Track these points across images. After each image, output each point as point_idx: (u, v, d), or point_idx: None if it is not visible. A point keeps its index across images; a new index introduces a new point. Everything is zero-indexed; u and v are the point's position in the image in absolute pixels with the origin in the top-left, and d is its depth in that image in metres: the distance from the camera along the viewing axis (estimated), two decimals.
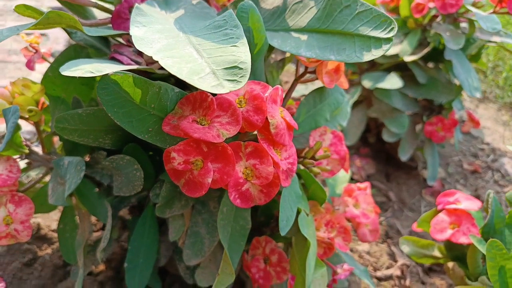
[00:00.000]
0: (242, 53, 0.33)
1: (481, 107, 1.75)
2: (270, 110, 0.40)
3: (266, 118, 0.39)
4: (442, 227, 0.70)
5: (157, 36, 0.37)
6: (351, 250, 0.97)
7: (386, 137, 1.09)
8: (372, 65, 1.20)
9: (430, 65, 1.16)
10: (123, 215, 0.76)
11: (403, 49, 1.01)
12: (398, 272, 0.93)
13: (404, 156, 1.12)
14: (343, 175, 0.78)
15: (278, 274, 0.57)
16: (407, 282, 0.92)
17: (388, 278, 0.92)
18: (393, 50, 1.05)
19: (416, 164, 1.27)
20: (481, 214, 0.77)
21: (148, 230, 0.59)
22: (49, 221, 0.88)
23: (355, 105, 1.24)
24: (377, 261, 0.95)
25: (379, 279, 0.91)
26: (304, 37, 0.46)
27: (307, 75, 0.53)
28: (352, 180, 1.20)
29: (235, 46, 0.34)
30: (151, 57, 0.33)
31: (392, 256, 0.98)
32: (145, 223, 0.59)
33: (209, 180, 0.37)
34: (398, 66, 1.12)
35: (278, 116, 0.41)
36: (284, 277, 0.57)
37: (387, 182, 1.23)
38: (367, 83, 1.05)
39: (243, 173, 0.40)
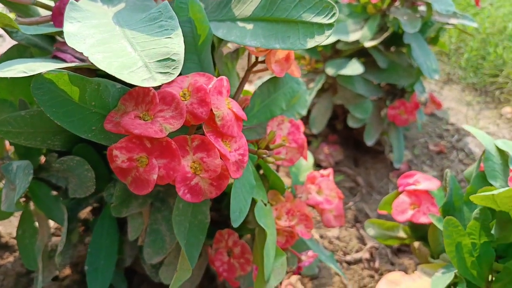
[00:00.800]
0: (175, 45, 0.32)
1: (445, 88, 1.79)
2: (215, 101, 0.39)
3: (212, 110, 0.39)
4: (403, 208, 0.71)
5: (92, 31, 0.36)
6: (321, 237, 0.98)
7: (351, 123, 1.11)
8: (336, 52, 1.21)
9: (392, 49, 1.17)
10: (88, 217, 0.74)
11: (363, 35, 1.02)
12: (367, 255, 0.95)
13: (369, 141, 1.14)
14: (306, 163, 0.78)
15: (242, 266, 0.57)
16: (376, 264, 0.94)
17: (358, 261, 0.94)
18: (354, 36, 1.06)
19: (383, 148, 1.30)
20: (442, 193, 0.79)
21: (107, 230, 0.58)
22: (11, 228, 0.85)
23: (321, 93, 1.25)
24: (346, 245, 0.97)
25: (349, 263, 0.93)
26: (249, 26, 0.45)
27: (259, 65, 0.53)
28: (321, 167, 1.21)
29: (169, 37, 0.33)
30: None
31: (361, 240, 1.00)
32: (103, 224, 0.58)
33: (155, 176, 0.37)
34: (360, 52, 1.13)
35: (224, 108, 0.40)
36: (248, 268, 0.57)
37: (355, 167, 1.25)
38: (330, 71, 1.06)
39: (191, 167, 0.39)
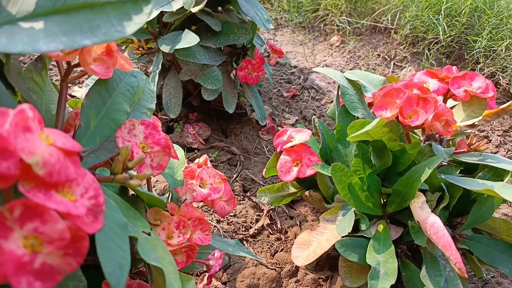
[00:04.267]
0: None
1: (278, 34, 1.85)
2: (23, 145, 0.27)
3: (22, 159, 0.27)
4: (288, 168, 0.69)
5: None
6: (218, 221, 0.92)
7: (207, 96, 1.04)
8: (164, 26, 1.10)
9: (220, 9, 1.12)
10: None
11: (186, 1, 0.93)
12: (267, 220, 0.93)
13: (230, 108, 1.10)
14: (176, 160, 0.69)
15: None
16: (279, 225, 0.93)
17: (261, 230, 0.92)
18: (177, 3, 0.97)
19: (245, 110, 1.28)
20: (314, 139, 0.80)
21: None
22: None
23: (165, 73, 1.14)
24: (245, 219, 0.94)
25: (253, 236, 0.90)
26: (39, 25, 0.33)
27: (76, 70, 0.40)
28: (193, 150, 1.13)
29: None
30: None
31: (257, 207, 0.98)
32: None
33: None
34: (190, 20, 1.04)
35: (42, 147, 0.28)
36: None
37: (226, 138, 1.20)
38: (165, 48, 0.95)
39: (24, 247, 0.27)
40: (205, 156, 0.70)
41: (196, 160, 0.70)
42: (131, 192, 0.53)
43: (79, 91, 1.27)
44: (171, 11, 0.98)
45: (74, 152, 0.32)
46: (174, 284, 0.41)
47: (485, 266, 0.83)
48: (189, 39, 0.91)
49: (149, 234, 0.43)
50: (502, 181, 0.62)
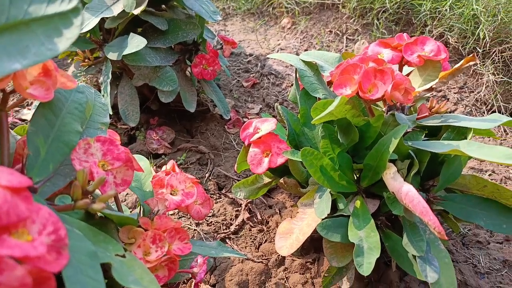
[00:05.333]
0: None
1: (228, 24, 1.82)
2: None
3: None
4: (258, 160, 0.68)
5: None
6: (197, 224, 0.90)
7: (164, 99, 1.01)
8: (108, 33, 1.05)
9: (164, 7, 1.08)
10: None
11: (126, 3, 0.89)
12: (247, 214, 0.92)
13: (191, 107, 1.07)
14: (141, 172, 0.67)
15: None
16: (259, 216, 0.92)
17: (242, 225, 0.91)
18: (117, 8, 0.92)
19: (207, 107, 1.25)
20: (281, 125, 0.79)
21: None
22: None
23: (117, 81, 1.09)
24: (225, 217, 0.92)
25: (235, 232, 0.89)
26: None
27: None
28: (160, 156, 1.10)
29: None
30: None
31: (235, 203, 0.96)
32: None
33: None
34: (135, 22, 1.00)
35: None
36: None
37: (192, 138, 1.18)
38: (112, 55, 0.91)
39: None
40: (171, 161, 0.67)
41: (163, 167, 0.68)
42: (100, 213, 0.51)
43: (29, 114, 1.20)
44: (112, 16, 0.93)
45: (23, 188, 0.29)
46: None
47: (461, 222, 0.86)
48: (136, 42, 0.87)
49: (123, 256, 0.41)
50: (466, 138, 0.64)
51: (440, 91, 1.34)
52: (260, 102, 1.34)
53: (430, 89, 0.65)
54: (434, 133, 0.70)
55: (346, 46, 1.58)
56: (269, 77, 1.44)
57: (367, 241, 0.57)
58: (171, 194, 0.63)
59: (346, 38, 1.62)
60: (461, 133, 0.64)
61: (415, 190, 0.52)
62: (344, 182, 0.63)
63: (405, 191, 0.52)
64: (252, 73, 1.46)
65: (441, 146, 0.57)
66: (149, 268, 0.47)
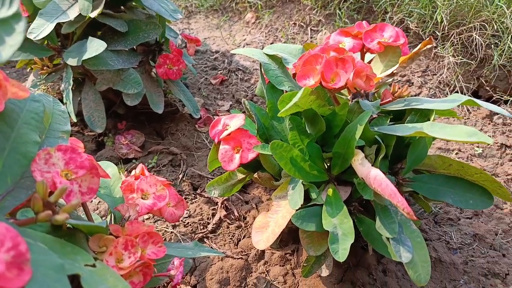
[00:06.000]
0: None
1: (191, 22, 1.80)
2: None
3: None
4: (229, 156, 0.68)
5: None
6: (174, 227, 0.89)
7: (130, 102, 0.99)
8: (66, 38, 1.02)
9: (123, 8, 1.05)
10: None
11: (82, 7, 0.86)
12: (223, 212, 0.92)
13: (159, 109, 1.05)
14: (109, 178, 0.65)
15: None
16: (236, 213, 0.92)
17: (219, 223, 0.90)
18: (73, 12, 0.89)
19: (175, 107, 1.24)
20: (250, 121, 0.79)
21: None
22: None
23: (80, 88, 1.06)
24: (201, 217, 0.92)
25: (213, 231, 0.88)
26: None
27: None
28: (131, 160, 1.08)
29: None
30: None
31: (210, 202, 0.96)
32: None
33: None
34: (93, 26, 0.97)
35: None
36: None
37: (162, 139, 1.16)
38: (72, 61, 0.88)
39: None
40: (140, 165, 0.66)
41: (133, 172, 0.67)
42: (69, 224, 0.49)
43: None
44: (69, 21, 0.90)
45: None
46: None
47: (431, 201, 0.89)
48: (95, 46, 0.85)
49: (94, 265, 0.39)
50: (429, 120, 0.66)
51: (405, 75, 1.38)
52: (230, 98, 1.33)
53: (392, 74, 0.67)
54: (399, 117, 0.71)
55: (311, 37, 1.59)
56: (237, 73, 1.44)
57: (341, 227, 0.58)
58: (142, 198, 0.62)
59: (310, 29, 1.63)
60: (424, 115, 0.66)
61: (382, 174, 0.53)
62: (315, 172, 0.64)
63: (373, 175, 0.53)
64: (219, 70, 1.45)
65: (405, 129, 0.59)
66: (123, 275, 0.46)
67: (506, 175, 1.04)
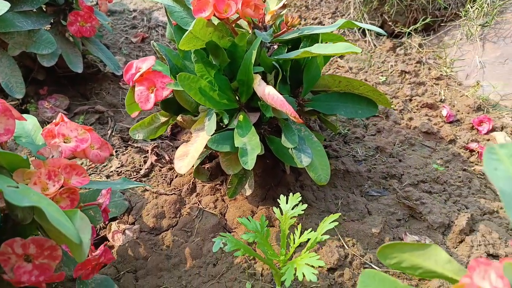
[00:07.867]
0: None
1: None
2: None
3: None
4: (145, 96, 0.73)
5: None
6: (107, 177, 0.94)
7: (46, 63, 0.99)
8: None
9: None
10: None
11: None
12: (154, 158, 0.97)
13: (77, 68, 1.06)
14: (26, 123, 0.68)
15: (51, 256, 0.50)
16: (167, 157, 0.98)
17: (152, 168, 0.96)
18: None
19: (97, 68, 1.24)
20: (162, 64, 0.83)
21: None
22: None
23: None
24: (134, 165, 0.97)
25: (146, 175, 0.94)
26: None
27: None
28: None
29: None
30: None
31: (142, 151, 1.01)
32: None
33: None
34: None
35: None
36: (58, 253, 0.50)
37: (88, 100, 1.17)
38: None
39: None
40: (60, 114, 0.69)
41: (54, 121, 0.70)
42: None
43: None
44: None
45: None
46: (60, 218, 0.44)
47: (338, 123, 1.01)
48: None
49: (16, 187, 0.44)
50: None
51: (316, 18, 1.47)
52: (152, 55, 1.35)
53: (284, 6, 0.74)
54: (296, 46, 0.80)
55: None
56: (158, 29, 1.45)
57: (249, 144, 0.67)
58: (64, 142, 0.65)
59: None
60: (314, 40, 0.74)
61: (274, 90, 0.61)
62: (225, 101, 0.71)
63: (267, 92, 0.61)
64: (139, 28, 1.46)
65: (296, 53, 0.67)
66: (51, 199, 0.51)
67: (405, 96, 1.18)
